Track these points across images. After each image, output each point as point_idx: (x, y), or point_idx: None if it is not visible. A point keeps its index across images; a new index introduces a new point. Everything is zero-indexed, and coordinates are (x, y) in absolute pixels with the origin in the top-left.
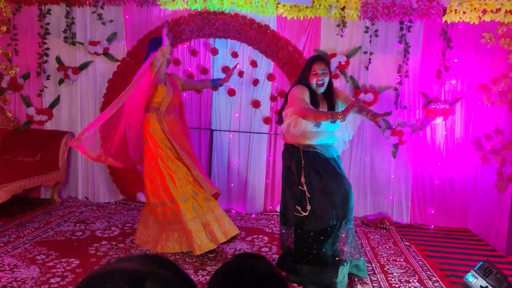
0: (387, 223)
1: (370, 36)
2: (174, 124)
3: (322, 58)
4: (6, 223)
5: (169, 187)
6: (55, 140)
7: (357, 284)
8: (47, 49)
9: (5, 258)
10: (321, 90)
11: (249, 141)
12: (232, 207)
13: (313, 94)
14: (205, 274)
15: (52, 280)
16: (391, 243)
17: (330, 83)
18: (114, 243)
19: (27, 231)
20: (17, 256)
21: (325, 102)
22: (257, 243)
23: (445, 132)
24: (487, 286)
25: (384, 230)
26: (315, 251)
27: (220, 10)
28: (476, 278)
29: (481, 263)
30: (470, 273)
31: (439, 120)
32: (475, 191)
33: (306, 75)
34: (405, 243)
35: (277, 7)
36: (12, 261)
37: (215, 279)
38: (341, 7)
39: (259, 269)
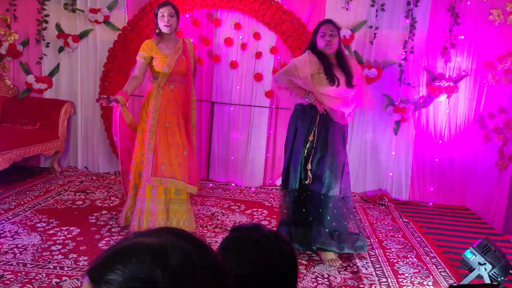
0: (386, 199)
1: (376, 10)
2: (175, 96)
3: (330, 21)
4: (6, 191)
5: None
6: (55, 109)
7: (355, 258)
8: (47, 15)
9: (6, 225)
10: (329, 51)
11: (250, 115)
12: (231, 180)
13: (324, 58)
14: None
15: (53, 248)
16: (389, 219)
17: (340, 49)
18: (114, 213)
19: (27, 199)
20: (18, 223)
21: (339, 69)
22: (256, 216)
23: (448, 110)
24: (485, 263)
25: (383, 207)
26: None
27: None
28: (475, 255)
29: (480, 240)
30: (468, 250)
31: (442, 98)
32: (475, 169)
33: (314, 38)
34: (404, 219)
35: None
36: (13, 228)
37: (220, 249)
38: None
39: (266, 237)
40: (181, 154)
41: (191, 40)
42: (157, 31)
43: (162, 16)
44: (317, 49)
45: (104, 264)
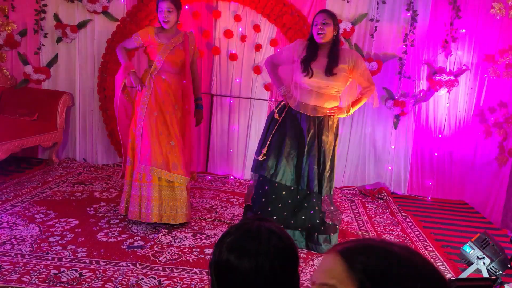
0: (385, 193)
1: (377, 3)
2: (168, 86)
3: (326, 10)
4: (4, 182)
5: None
6: (53, 100)
7: None
8: (45, 5)
9: (4, 215)
10: (321, 39)
11: (249, 107)
12: (230, 173)
13: (314, 48)
14: (203, 237)
15: (51, 239)
16: (388, 213)
17: (337, 40)
18: (112, 205)
19: (25, 190)
20: (16, 214)
21: (324, 59)
22: None
23: (448, 104)
24: (484, 257)
25: (382, 200)
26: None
27: None
28: (473, 249)
29: (478, 234)
30: (467, 244)
31: (442, 92)
32: (474, 164)
33: (311, 29)
34: (402, 213)
35: None
36: (11, 219)
37: (225, 240)
38: None
39: (270, 229)
40: (168, 144)
41: (193, 34)
42: (159, 23)
43: (160, 11)
44: (313, 40)
45: (359, 248)
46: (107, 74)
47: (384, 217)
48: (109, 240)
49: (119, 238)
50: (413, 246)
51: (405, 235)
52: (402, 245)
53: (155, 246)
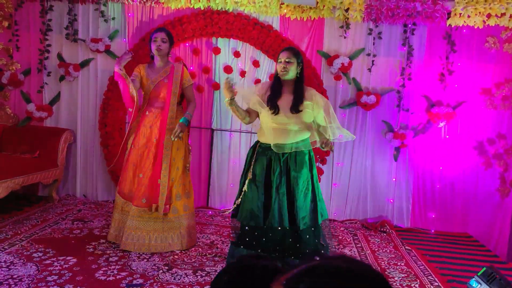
0: (388, 226)
1: (374, 38)
2: (149, 121)
3: (290, 48)
4: (2, 220)
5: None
6: (54, 137)
7: None
8: (49, 45)
9: (2, 255)
10: (285, 77)
11: (250, 141)
12: (231, 207)
13: (279, 84)
14: (203, 274)
15: (49, 278)
16: (391, 246)
17: (301, 78)
18: (112, 242)
19: (24, 228)
20: (14, 253)
21: (289, 95)
22: None
23: (447, 136)
24: None
25: (385, 234)
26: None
27: (223, 10)
28: (480, 284)
29: (484, 268)
30: (473, 279)
31: (441, 124)
32: (476, 195)
33: (275, 65)
34: (406, 247)
35: (280, 7)
36: (8, 258)
37: (221, 279)
38: (345, 8)
39: (267, 267)
40: (137, 176)
41: (181, 64)
42: (151, 54)
43: (155, 40)
44: (278, 77)
45: (301, 274)
46: (108, 110)
47: (388, 251)
48: (107, 279)
49: (117, 276)
50: (418, 281)
51: (410, 270)
52: (344, 257)
53: (154, 284)
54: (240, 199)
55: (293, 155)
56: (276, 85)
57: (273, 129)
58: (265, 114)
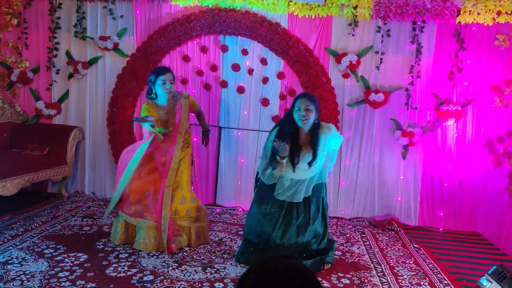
0: (395, 224)
1: (382, 36)
2: (159, 145)
3: (306, 94)
4: (13, 216)
5: None
6: (63, 134)
7: (367, 285)
8: (57, 43)
9: (14, 251)
10: (306, 127)
11: (257, 139)
12: (239, 205)
13: (295, 133)
14: (213, 271)
15: (60, 274)
16: (399, 245)
17: (317, 125)
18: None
19: (35, 224)
20: (26, 250)
21: (308, 146)
22: None
23: (456, 134)
24: None
25: (392, 232)
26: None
27: (231, 7)
28: (490, 282)
29: (495, 267)
30: (484, 277)
31: (450, 122)
32: (485, 194)
33: (290, 111)
34: (414, 245)
35: (288, 5)
36: (20, 254)
37: (248, 278)
38: (354, 6)
39: (295, 266)
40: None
41: (187, 99)
42: (152, 96)
43: (163, 83)
44: (294, 122)
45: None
46: (116, 108)
47: (396, 249)
48: (118, 275)
49: (128, 273)
50: (427, 279)
51: (418, 268)
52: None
53: (164, 280)
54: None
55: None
56: (292, 133)
57: (290, 180)
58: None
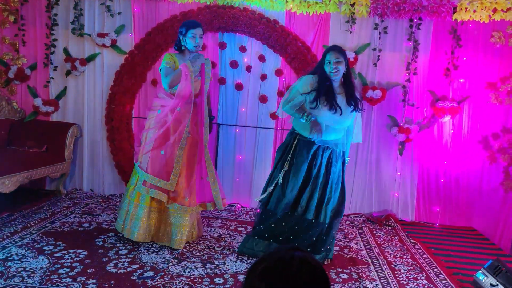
0: (392, 220)
1: (379, 33)
2: (181, 117)
3: (336, 47)
4: (12, 214)
5: None
6: (61, 131)
7: (365, 280)
8: (55, 40)
9: (13, 248)
10: (336, 78)
11: (255, 136)
12: (237, 202)
13: (328, 83)
14: (213, 267)
15: (61, 271)
16: (397, 240)
17: (348, 74)
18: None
19: (34, 221)
20: (25, 246)
21: (343, 94)
22: None
23: (452, 131)
24: (497, 285)
25: (390, 227)
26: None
27: (229, 4)
28: (487, 276)
29: (491, 261)
30: (480, 271)
31: (446, 118)
32: (480, 190)
33: (321, 64)
34: (411, 240)
35: (286, 2)
36: (20, 251)
37: (257, 269)
38: (351, 3)
39: (303, 258)
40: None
41: (210, 61)
42: (181, 47)
43: (193, 36)
44: (325, 74)
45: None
46: (114, 105)
47: (393, 244)
48: (118, 271)
49: (128, 269)
50: (424, 273)
51: (415, 263)
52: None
53: (165, 276)
54: (272, 187)
55: (335, 150)
56: (327, 84)
57: (325, 126)
58: (324, 114)
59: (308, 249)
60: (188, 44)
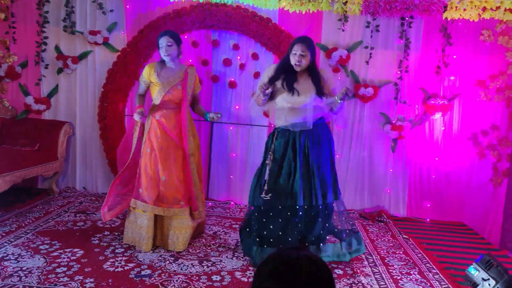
0: (385, 216)
1: (371, 31)
2: (161, 124)
3: (304, 39)
4: (5, 213)
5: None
6: (54, 130)
7: (359, 275)
8: (46, 37)
9: (9, 247)
10: (297, 69)
11: (249, 134)
12: (231, 199)
13: (292, 71)
14: (209, 264)
15: (58, 270)
16: (389, 235)
17: (313, 65)
18: (116, 234)
19: (28, 221)
20: (21, 246)
21: (307, 79)
22: None
23: (443, 128)
24: (489, 279)
25: (382, 223)
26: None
27: (222, 2)
28: (478, 270)
29: (482, 256)
30: (472, 266)
31: (437, 116)
32: (470, 185)
33: (288, 54)
34: (403, 236)
35: (279, 0)
36: (16, 250)
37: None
38: (344, 1)
39: (307, 256)
40: (159, 179)
41: (195, 70)
42: (161, 59)
43: (161, 47)
44: (288, 62)
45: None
46: (107, 103)
47: (386, 239)
48: (116, 270)
49: (125, 267)
50: (417, 268)
51: (408, 258)
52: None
53: (162, 274)
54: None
55: (313, 133)
56: (289, 72)
57: (289, 109)
58: (282, 97)
59: (313, 239)
60: (160, 54)
